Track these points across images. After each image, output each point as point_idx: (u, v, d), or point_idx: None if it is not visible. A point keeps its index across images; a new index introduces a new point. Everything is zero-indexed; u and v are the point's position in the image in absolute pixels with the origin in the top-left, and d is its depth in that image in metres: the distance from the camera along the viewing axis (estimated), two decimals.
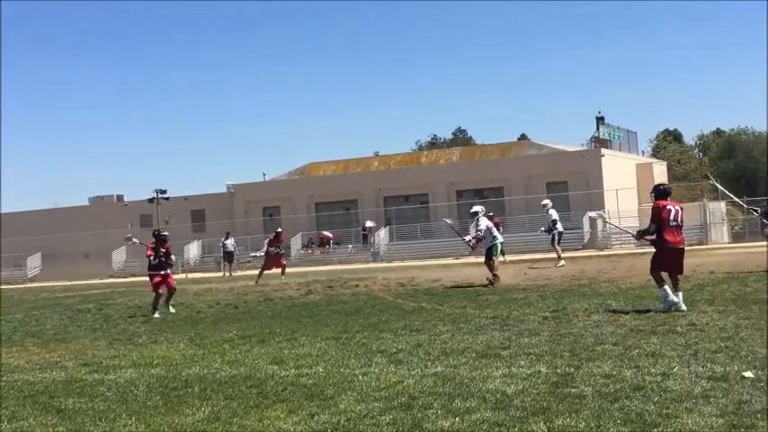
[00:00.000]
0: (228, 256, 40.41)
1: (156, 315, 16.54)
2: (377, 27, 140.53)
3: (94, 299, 23.50)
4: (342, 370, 8.75)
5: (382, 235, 51.21)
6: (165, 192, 52.57)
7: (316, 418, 6.71)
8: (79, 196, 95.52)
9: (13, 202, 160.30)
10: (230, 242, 40.96)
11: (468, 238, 19.72)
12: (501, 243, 19.24)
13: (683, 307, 11.75)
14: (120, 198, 63.34)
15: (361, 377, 8.25)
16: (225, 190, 60.34)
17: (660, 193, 12.43)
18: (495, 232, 19.15)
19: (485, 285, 18.21)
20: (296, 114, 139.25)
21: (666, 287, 11.98)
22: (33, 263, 58.65)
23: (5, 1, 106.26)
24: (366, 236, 51.54)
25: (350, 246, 52.03)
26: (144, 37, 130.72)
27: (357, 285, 21.87)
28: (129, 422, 7.03)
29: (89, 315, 18.14)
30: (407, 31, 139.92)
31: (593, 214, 31.13)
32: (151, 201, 52.51)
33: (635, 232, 12.55)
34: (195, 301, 20.27)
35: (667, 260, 12.13)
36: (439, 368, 8.49)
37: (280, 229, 29.41)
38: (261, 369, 9.18)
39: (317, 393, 7.62)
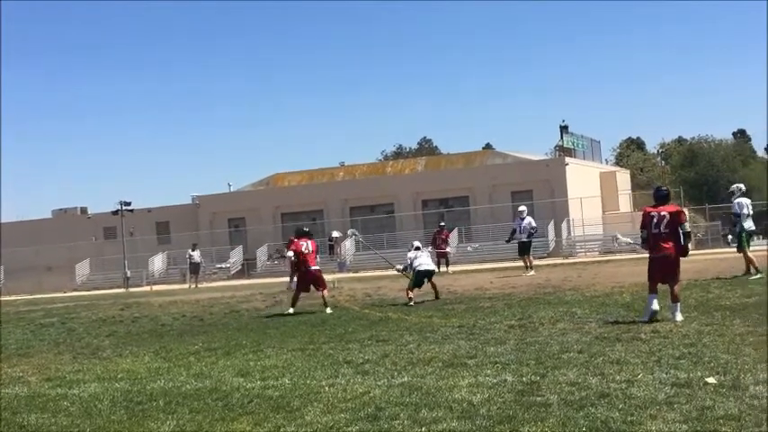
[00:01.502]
0: (195, 268, 40.41)
1: (291, 311, 16.83)
2: (342, 38, 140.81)
3: (58, 312, 23.17)
4: (308, 381, 8.72)
5: (348, 245, 51.12)
6: (129, 204, 52.09)
7: (282, 430, 6.69)
8: (42, 209, 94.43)
9: None
10: (197, 254, 40.94)
11: (399, 267, 19.26)
12: (424, 269, 17.91)
13: (679, 318, 11.24)
14: (83, 210, 62.61)
15: (327, 388, 8.23)
16: (190, 201, 59.96)
17: (655, 197, 11.96)
18: (418, 262, 17.96)
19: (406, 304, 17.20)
20: (261, 125, 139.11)
21: (654, 297, 11.43)
22: None
23: None
24: (332, 246, 51.35)
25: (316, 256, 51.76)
26: (107, 48, 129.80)
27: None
28: None
29: (52, 329, 17.90)
30: (372, 42, 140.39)
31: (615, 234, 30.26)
32: (115, 213, 51.99)
33: (640, 241, 12.23)
34: (160, 313, 20.09)
35: (652, 268, 11.67)
36: (405, 378, 8.50)
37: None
38: (226, 381, 9.12)
39: (283, 405, 7.59)
